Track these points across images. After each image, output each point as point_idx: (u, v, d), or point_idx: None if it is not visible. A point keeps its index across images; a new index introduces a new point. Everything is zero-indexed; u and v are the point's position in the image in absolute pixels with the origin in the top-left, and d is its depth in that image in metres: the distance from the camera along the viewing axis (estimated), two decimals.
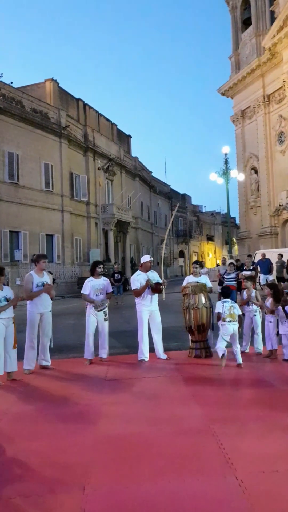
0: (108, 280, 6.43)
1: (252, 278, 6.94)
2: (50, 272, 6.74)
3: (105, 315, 6.16)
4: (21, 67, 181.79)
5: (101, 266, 6.37)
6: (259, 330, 6.23)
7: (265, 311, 5.97)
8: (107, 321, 6.21)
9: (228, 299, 5.65)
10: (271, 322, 5.88)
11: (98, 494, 2.54)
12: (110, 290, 6.36)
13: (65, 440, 3.39)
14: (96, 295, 6.15)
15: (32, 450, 3.24)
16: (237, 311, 5.53)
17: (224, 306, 5.46)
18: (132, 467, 2.86)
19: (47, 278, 5.90)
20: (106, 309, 6.21)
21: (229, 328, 5.37)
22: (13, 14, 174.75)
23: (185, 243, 52.95)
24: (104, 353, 6.19)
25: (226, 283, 10.36)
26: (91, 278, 6.29)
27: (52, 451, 3.19)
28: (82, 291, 6.28)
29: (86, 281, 6.31)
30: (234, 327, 5.41)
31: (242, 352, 5.82)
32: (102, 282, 6.25)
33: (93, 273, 6.33)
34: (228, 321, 5.38)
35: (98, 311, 6.08)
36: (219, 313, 5.48)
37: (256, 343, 6.23)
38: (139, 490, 2.56)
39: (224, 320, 5.39)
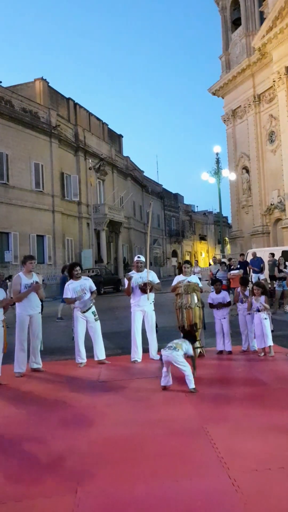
0: (90, 279, 6.30)
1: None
2: (38, 274, 6.66)
3: (94, 315, 6.09)
4: (10, 67, 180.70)
5: (78, 268, 6.19)
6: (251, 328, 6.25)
7: (258, 308, 6.00)
8: (98, 321, 6.13)
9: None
10: (266, 319, 5.93)
11: (90, 497, 2.52)
12: (94, 288, 6.23)
13: (58, 443, 3.36)
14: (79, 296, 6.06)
15: (23, 453, 3.21)
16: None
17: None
18: (125, 468, 2.84)
19: (36, 279, 5.84)
20: (94, 309, 6.12)
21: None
22: (1, 13, 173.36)
23: (178, 243, 53.04)
24: (101, 354, 6.08)
25: None
26: (71, 281, 6.16)
27: (44, 454, 3.15)
28: (64, 296, 6.14)
29: (66, 285, 6.22)
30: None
31: (244, 351, 6.19)
32: (83, 282, 6.13)
33: (71, 276, 6.22)
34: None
35: (83, 312, 5.99)
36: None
37: (251, 341, 6.27)
38: (132, 492, 2.54)
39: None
